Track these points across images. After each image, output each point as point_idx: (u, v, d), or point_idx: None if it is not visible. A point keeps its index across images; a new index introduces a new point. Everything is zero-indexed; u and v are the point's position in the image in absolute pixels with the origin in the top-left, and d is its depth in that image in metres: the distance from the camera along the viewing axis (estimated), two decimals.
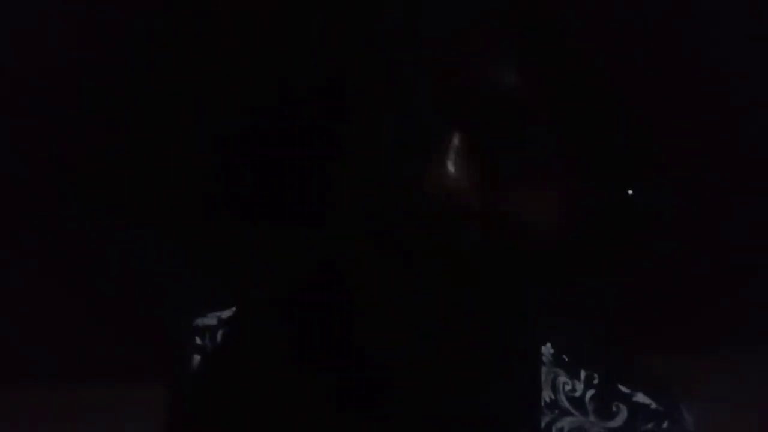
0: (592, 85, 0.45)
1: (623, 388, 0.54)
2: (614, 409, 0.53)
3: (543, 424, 0.52)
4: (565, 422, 0.52)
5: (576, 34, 0.45)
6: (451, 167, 0.41)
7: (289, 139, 0.52)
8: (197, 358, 0.60)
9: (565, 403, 0.53)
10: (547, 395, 0.53)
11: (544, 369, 0.54)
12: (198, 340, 0.61)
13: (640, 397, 0.54)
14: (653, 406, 0.54)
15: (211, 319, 0.62)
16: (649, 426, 0.53)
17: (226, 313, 0.62)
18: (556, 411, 0.53)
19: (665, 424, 0.53)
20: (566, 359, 0.55)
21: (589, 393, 0.54)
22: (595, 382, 0.54)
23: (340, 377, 0.52)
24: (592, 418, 0.53)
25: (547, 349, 0.55)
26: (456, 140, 0.41)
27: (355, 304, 0.48)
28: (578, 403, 0.53)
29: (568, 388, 0.54)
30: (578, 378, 0.54)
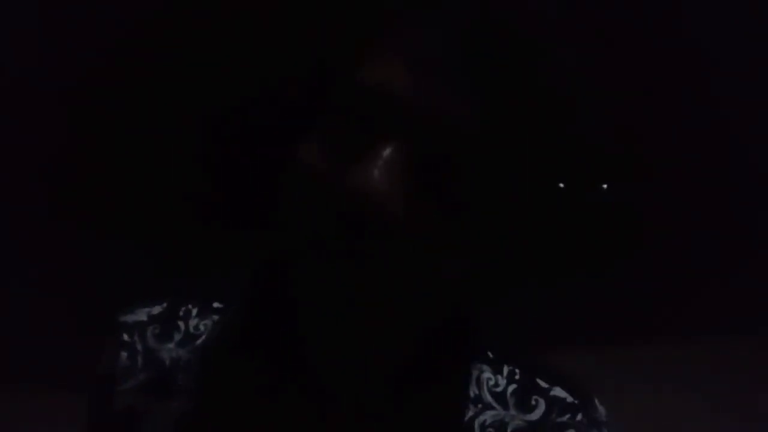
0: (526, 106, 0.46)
1: (542, 383, 0.57)
2: (533, 402, 0.56)
3: (466, 418, 0.54)
4: (488, 416, 0.54)
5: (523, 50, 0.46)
6: (379, 175, 0.41)
7: (241, 145, 0.52)
8: (124, 355, 0.58)
9: (488, 398, 0.55)
10: (471, 390, 0.55)
11: (469, 365, 0.56)
12: (125, 337, 0.59)
13: (558, 391, 0.57)
14: (569, 399, 0.57)
15: (140, 316, 0.60)
16: (565, 418, 0.55)
17: (156, 309, 0.61)
18: (480, 405, 0.55)
19: (579, 416, 0.56)
20: (491, 355, 0.57)
21: (511, 387, 0.56)
22: (517, 377, 0.57)
23: (283, 371, 0.52)
24: (512, 411, 0.55)
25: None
26: (389, 151, 0.42)
27: (300, 302, 0.49)
28: (500, 397, 0.55)
29: (491, 383, 0.56)
30: (501, 373, 0.57)
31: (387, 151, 0.42)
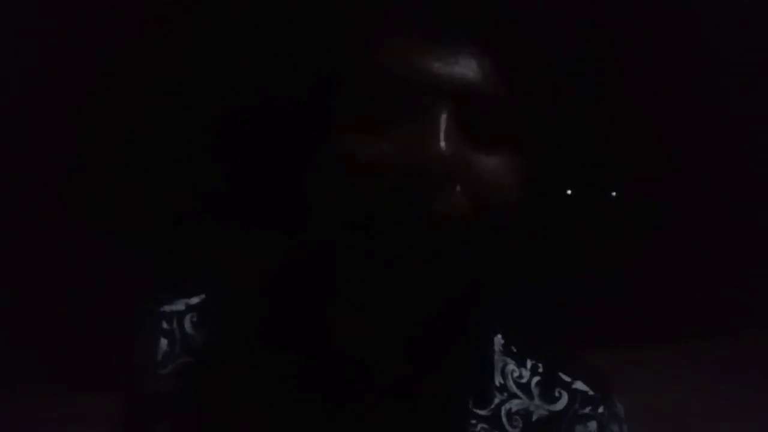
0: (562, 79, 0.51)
1: (564, 377, 0.59)
2: (556, 394, 0.58)
3: (493, 405, 0.56)
4: (513, 404, 0.57)
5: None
6: (442, 139, 0.45)
7: (268, 143, 0.55)
8: (164, 342, 0.61)
9: (514, 388, 0.58)
10: (497, 380, 0.58)
11: (495, 357, 0.59)
12: (165, 325, 0.62)
13: (579, 385, 0.59)
14: (590, 392, 0.59)
15: (178, 305, 0.63)
16: (587, 410, 0.58)
17: (194, 300, 0.64)
18: (505, 394, 0.57)
19: (600, 409, 0.59)
20: (514, 350, 0.60)
21: (535, 380, 0.59)
22: (540, 370, 0.59)
23: (312, 363, 0.55)
24: (537, 401, 0.58)
25: (498, 340, 0.60)
26: (444, 118, 0.46)
27: (328, 293, 0.51)
28: (525, 388, 0.58)
29: (516, 374, 0.58)
30: (525, 366, 0.59)
31: (443, 121, 0.46)
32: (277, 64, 0.55)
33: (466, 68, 0.47)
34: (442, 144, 0.45)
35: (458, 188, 0.46)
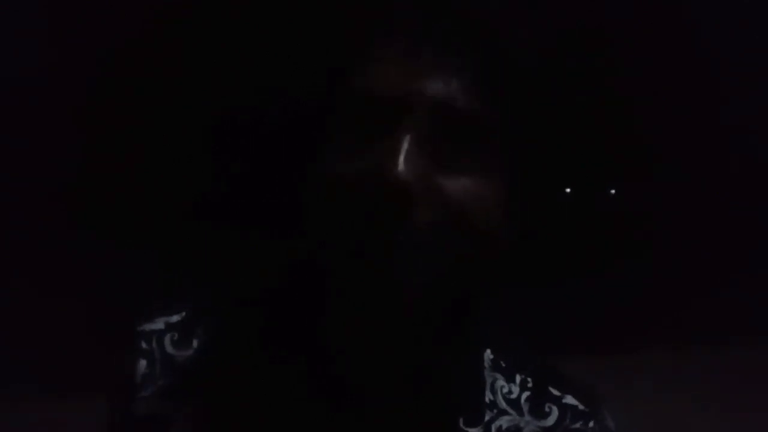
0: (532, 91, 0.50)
1: (554, 391, 0.58)
2: (546, 409, 0.57)
3: (483, 422, 0.55)
4: (504, 421, 0.56)
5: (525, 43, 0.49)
6: (403, 161, 0.45)
7: (265, 149, 0.55)
8: (143, 363, 0.60)
9: (503, 404, 0.57)
10: (486, 396, 0.57)
11: (484, 372, 0.57)
12: (144, 345, 0.60)
13: (569, 399, 0.58)
14: (580, 407, 0.58)
15: (158, 324, 0.61)
16: (578, 425, 0.57)
17: (174, 318, 0.62)
18: (495, 410, 0.56)
19: (591, 424, 0.58)
20: (503, 364, 0.59)
21: (524, 395, 0.58)
22: (529, 385, 0.58)
23: (308, 373, 0.54)
24: (527, 417, 0.57)
25: (487, 355, 0.59)
26: (407, 138, 0.45)
27: (325, 305, 0.50)
28: (515, 404, 0.57)
29: (505, 390, 0.57)
30: (514, 382, 0.58)
31: (405, 141, 0.45)
32: (260, 80, 0.55)
33: (440, 86, 0.46)
34: (401, 167, 0.44)
35: (427, 210, 0.45)
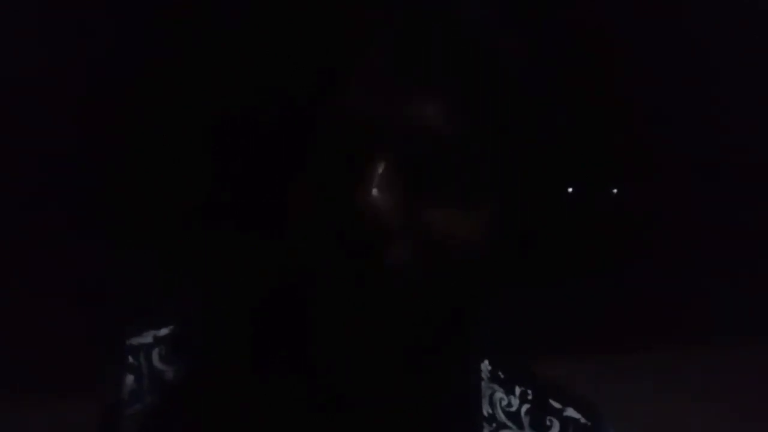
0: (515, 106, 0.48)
1: (555, 404, 0.57)
2: (548, 423, 0.55)
3: None
4: None
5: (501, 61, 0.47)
6: (376, 190, 0.43)
7: (250, 154, 0.53)
8: (130, 378, 0.58)
9: (503, 417, 0.55)
10: (485, 410, 0.55)
11: (482, 384, 0.56)
12: (131, 359, 0.58)
13: (571, 412, 0.56)
14: (582, 420, 0.56)
15: (146, 338, 0.60)
16: None
17: (163, 331, 0.60)
18: (494, 424, 0.54)
19: None
20: (502, 376, 0.57)
21: (524, 408, 0.56)
22: (529, 397, 0.56)
23: (300, 388, 0.52)
24: (528, 431, 0.55)
25: (485, 366, 0.57)
26: (381, 165, 0.43)
27: (312, 315, 0.49)
28: (514, 417, 0.55)
29: (504, 403, 0.56)
30: (514, 394, 0.56)
31: (380, 168, 0.43)
32: (242, 93, 0.53)
33: (419, 109, 0.44)
34: (375, 195, 0.42)
35: (404, 239, 0.43)
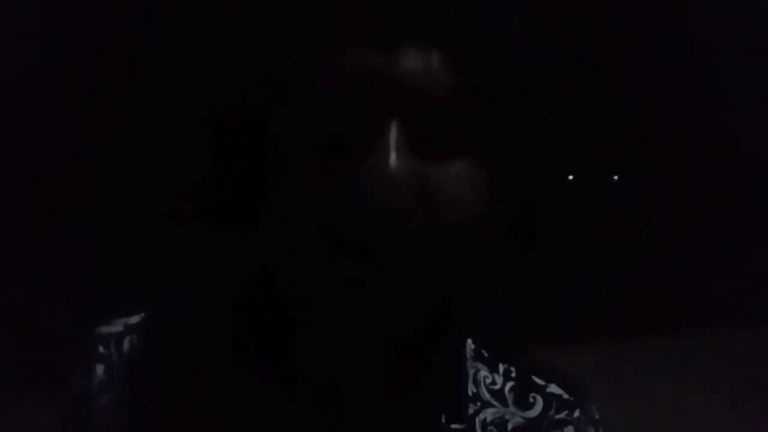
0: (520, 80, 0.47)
1: (538, 380, 0.57)
2: (531, 399, 0.55)
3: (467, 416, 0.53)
4: (488, 413, 0.53)
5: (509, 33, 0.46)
6: (387, 157, 0.41)
7: (229, 145, 0.50)
8: (100, 368, 0.55)
9: (487, 396, 0.54)
10: (470, 389, 0.54)
11: (466, 363, 0.55)
12: (101, 349, 0.56)
13: (554, 388, 0.57)
14: (565, 396, 0.56)
15: (116, 326, 0.57)
16: (563, 414, 0.55)
17: (134, 319, 0.58)
18: (479, 403, 0.54)
19: (576, 413, 0.56)
20: (486, 354, 0.57)
21: (508, 385, 0.55)
22: (513, 375, 0.56)
23: (280, 375, 0.51)
24: (512, 408, 0.54)
25: (468, 345, 0.56)
26: (393, 133, 0.42)
27: (294, 303, 0.47)
28: (498, 395, 0.55)
29: (488, 381, 0.55)
30: (497, 372, 0.56)
31: (393, 131, 0.42)
32: (227, 77, 0.51)
33: (418, 68, 0.43)
34: (393, 169, 0.41)
35: (416, 202, 0.42)
